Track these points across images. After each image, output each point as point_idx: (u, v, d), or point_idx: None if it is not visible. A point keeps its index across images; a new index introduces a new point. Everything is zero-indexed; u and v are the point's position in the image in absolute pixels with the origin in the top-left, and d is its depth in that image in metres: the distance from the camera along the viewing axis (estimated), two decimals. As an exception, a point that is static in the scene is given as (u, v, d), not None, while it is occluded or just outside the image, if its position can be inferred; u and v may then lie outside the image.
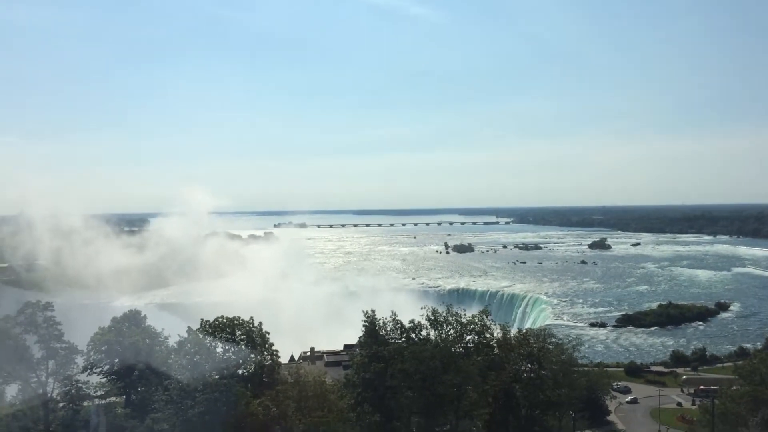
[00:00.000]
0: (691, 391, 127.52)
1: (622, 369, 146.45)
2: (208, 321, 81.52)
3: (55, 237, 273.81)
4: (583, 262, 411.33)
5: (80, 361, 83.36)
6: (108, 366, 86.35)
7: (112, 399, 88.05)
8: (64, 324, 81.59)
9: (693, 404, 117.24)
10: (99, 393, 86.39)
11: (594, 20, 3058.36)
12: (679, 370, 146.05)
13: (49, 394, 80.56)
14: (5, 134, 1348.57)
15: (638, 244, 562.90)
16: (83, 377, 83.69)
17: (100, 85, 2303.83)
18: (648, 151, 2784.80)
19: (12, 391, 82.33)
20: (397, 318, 74.80)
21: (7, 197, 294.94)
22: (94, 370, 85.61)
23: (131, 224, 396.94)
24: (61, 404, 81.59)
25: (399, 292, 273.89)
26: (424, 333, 74.09)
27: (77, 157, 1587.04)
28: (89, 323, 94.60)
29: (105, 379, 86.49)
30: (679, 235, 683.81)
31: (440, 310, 75.57)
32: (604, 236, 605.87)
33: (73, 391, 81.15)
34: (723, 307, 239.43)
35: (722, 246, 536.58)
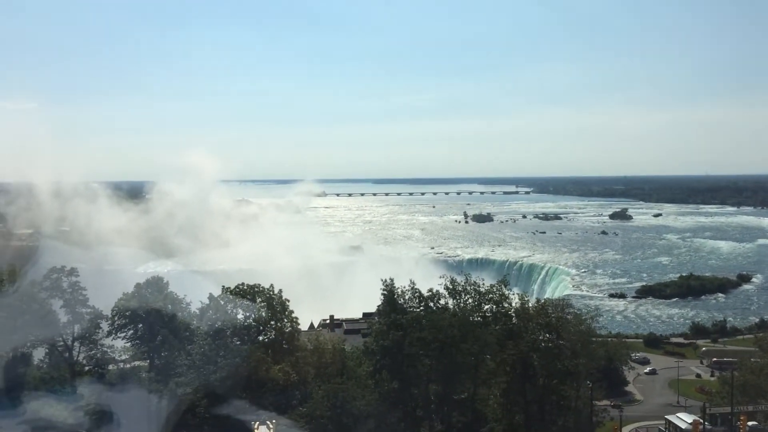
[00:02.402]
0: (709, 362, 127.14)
1: (641, 340, 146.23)
2: (229, 288, 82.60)
3: (74, 204, 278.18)
4: (604, 232, 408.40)
5: (105, 326, 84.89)
6: (132, 331, 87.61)
7: (137, 363, 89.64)
8: (88, 289, 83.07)
9: (712, 376, 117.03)
10: (123, 357, 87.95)
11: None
12: (699, 342, 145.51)
13: (75, 358, 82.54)
14: (29, 100, 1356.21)
15: (660, 214, 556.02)
16: (108, 342, 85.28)
17: (118, 49, 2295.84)
18: (671, 120, 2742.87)
19: (39, 354, 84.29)
20: (415, 287, 75.16)
21: (23, 165, 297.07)
22: (118, 334, 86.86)
23: (137, 191, 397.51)
24: (86, 368, 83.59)
25: (418, 261, 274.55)
26: (442, 302, 74.50)
27: (89, 123, 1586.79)
28: (113, 289, 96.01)
29: (129, 343, 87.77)
30: (701, 206, 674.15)
31: (459, 280, 75.83)
32: (625, 206, 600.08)
33: (98, 355, 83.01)
34: (745, 278, 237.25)
35: (746, 217, 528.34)
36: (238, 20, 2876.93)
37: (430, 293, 74.73)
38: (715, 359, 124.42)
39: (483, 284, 75.76)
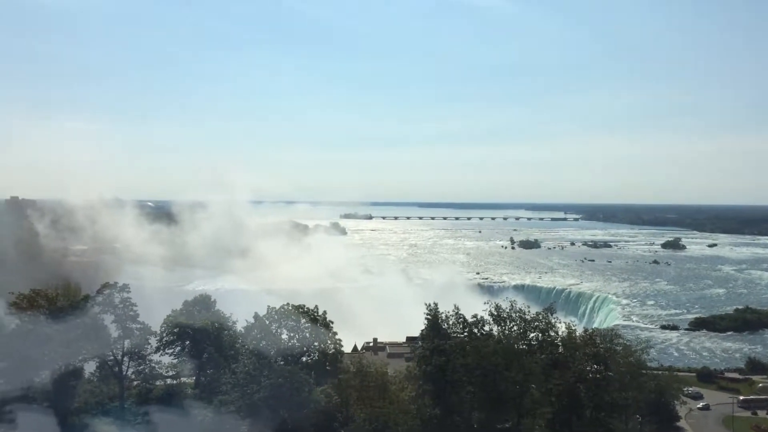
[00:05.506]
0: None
1: (693, 374, 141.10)
2: (275, 308, 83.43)
3: (126, 222, 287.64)
4: (655, 261, 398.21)
5: (153, 341, 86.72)
6: (179, 348, 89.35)
7: (183, 380, 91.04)
8: (138, 305, 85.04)
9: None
10: (170, 373, 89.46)
11: (663, 12, 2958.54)
12: (755, 378, 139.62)
13: (124, 372, 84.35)
14: (96, 121, 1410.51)
15: (715, 245, 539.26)
16: (156, 357, 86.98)
17: (169, 72, 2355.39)
18: (725, 149, 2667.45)
19: (90, 368, 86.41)
20: (459, 312, 74.50)
21: (83, 183, 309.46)
22: (166, 351, 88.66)
23: (186, 210, 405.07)
24: (135, 382, 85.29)
25: (462, 286, 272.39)
26: (486, 328, 73.49)
27: (146, 142, 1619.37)
28: (162, 305, 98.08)
29: (176, 360, 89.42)
30: (759, 237, 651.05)
31: (504, 306, 74.77)
32: (678, 236, 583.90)
33: (146, 371, 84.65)
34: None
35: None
36: (287, 48, 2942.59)
37: (475, 319, 73.87)
38: (742, 397, 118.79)
39: (529, 311, 74.53)
